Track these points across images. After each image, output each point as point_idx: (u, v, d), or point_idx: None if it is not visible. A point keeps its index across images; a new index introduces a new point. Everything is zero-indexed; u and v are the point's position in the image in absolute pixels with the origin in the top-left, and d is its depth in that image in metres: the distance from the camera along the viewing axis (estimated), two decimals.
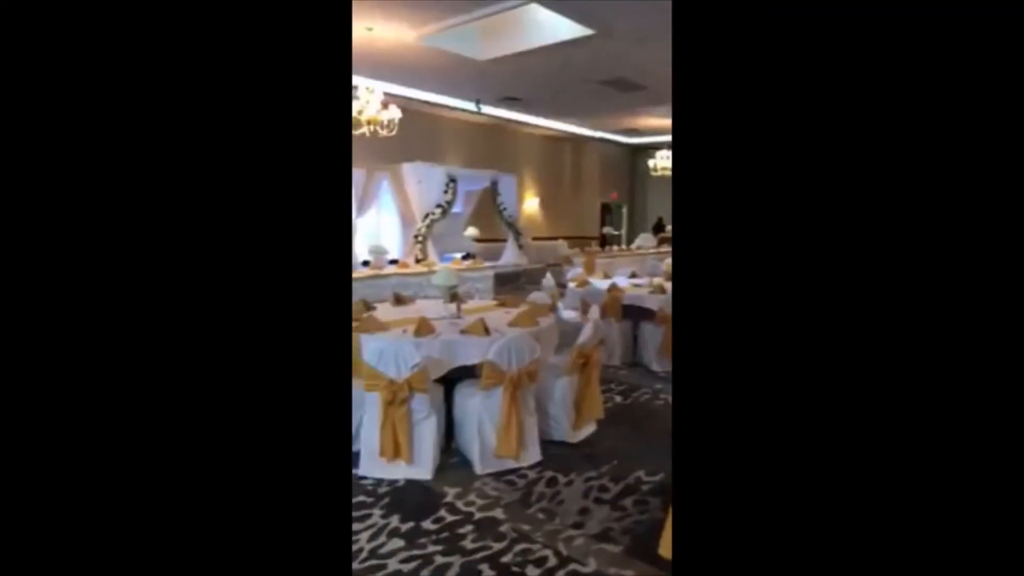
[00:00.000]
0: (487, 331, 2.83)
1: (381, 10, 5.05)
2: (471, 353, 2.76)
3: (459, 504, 2.34)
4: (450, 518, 2.23)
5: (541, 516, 2.26)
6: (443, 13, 5.16)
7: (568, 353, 3.16)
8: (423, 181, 7.20)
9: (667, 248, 9.48)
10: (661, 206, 13.24)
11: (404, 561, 1.95)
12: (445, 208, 7.38)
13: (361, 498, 2.39)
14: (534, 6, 4.94)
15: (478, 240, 7.99)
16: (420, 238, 7.22)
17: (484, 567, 1.92)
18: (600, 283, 4.98)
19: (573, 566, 1.93)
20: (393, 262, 6.62)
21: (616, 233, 12.16)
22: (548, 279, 4.97)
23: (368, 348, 2.58)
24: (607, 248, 10.01)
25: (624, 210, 13.82)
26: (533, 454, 2.73)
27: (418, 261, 6.91)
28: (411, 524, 2.18)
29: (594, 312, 3.37)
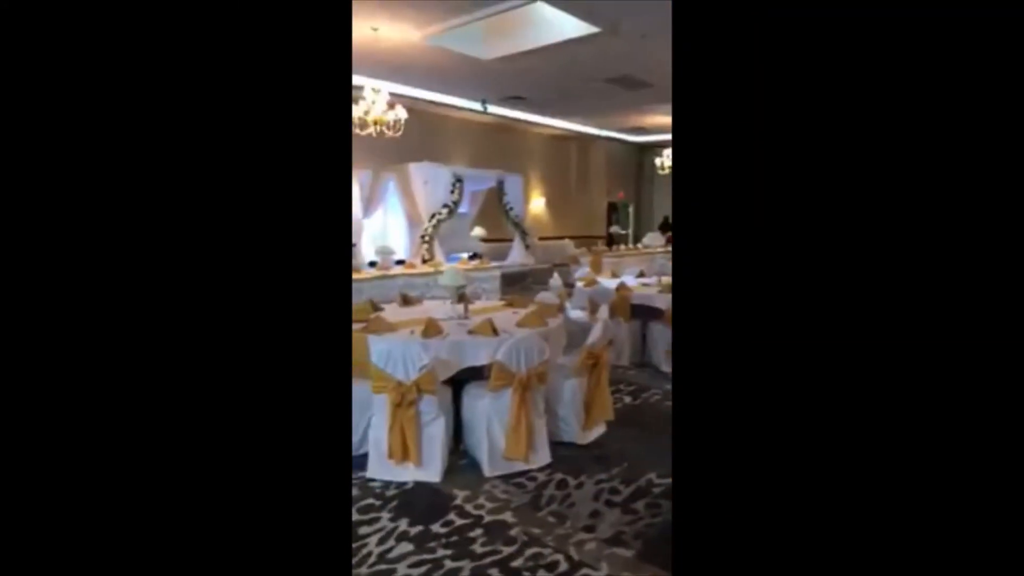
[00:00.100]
0: (495, 332, 2.80)
1: (386, 10, 5.04)
2: (479, 354, 2.73)
3: (468, 507, 2.32)
4: (459, 521, 2.20)
5: (551, 519, 2.23)
6: (448, 13, 5.14)
7: (576, 353, 3.12)
8: (429, 181, 7.19)
9: None
10: (668, 205, 13.16)
11: (413, 566, 1.92)
12: (451, 208, 7.37)
13: (370, 500, 2.37)
14: (539, 4, 4.91)
15: (484, 240, 7.97)
16: (426, 238, 7.20)
17: (494, 572, 1.89)
18: (608, 282, 4.94)
19: (585, 571, 1.90)
20: (400, 262, 6.61)
21: (623, 232, 12.09)
22: (555, 279, 4.93)
23: (376, 349, 2.56)
24: (614, 247, 9.95)
25: (631, 209, 13.76)
26: (543, 456, 2.70)
27: (425, 261, 6.90)
28: (420, 528, 2.16)
29: (603, 312, 3.34)
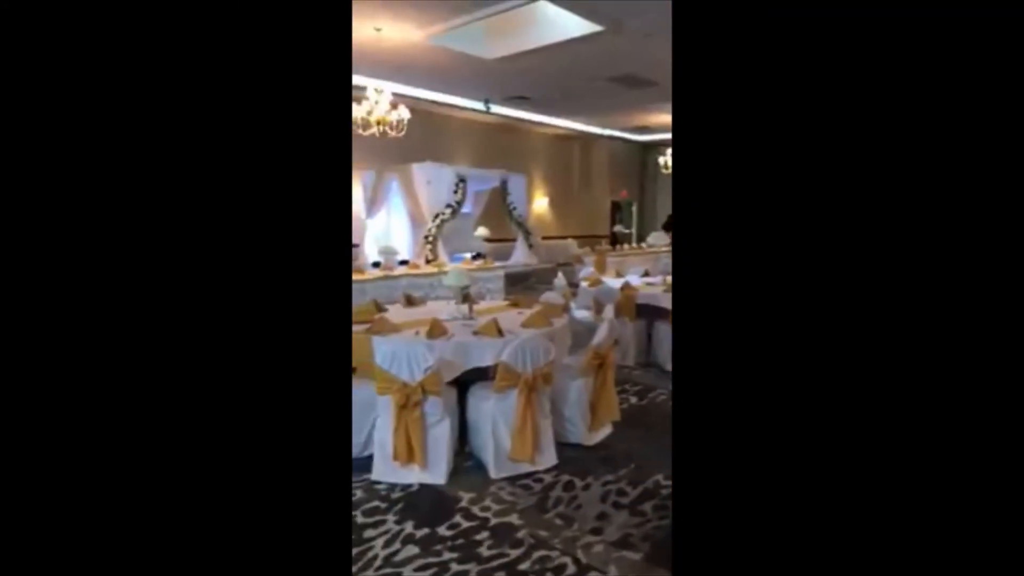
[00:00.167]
0: (500, 332, 2.78)
1: (389, 10, 5.03)
2: (485, 355, 2.71)
3: (474, 509, 2.30)
4: (465, 524, 2.19)
5: (559, 522, 2.21)
6: (450, 12, 5.12)
7: (582, 354, 3.10)
8: (433, 181, 7.16)
9: None
10: (671, 204, 13.08)
11: (419, 569, 1.90)
12: (455, 208, 7.34)
13: (375, 503, 2.35)
14: (542, 3, 4.89)
15: (488, 240, 7.95)
16: (430, 238, 7.18)
17: (501, 575, 1.87)
18: (613, 282, 4.92)
19: (593, 574, 1.88)
20: (403, 263, 6.59)
21: (627, 231, 12.06)
22: (560, 278, 4.91)
23: (380, 351, 2.54)
24: (618, 247, 9.92)
25: (634, 208, 13.72)
26: (549, 457, 2.68)
27: (428, 262, 6.88)
28: (426, 530, 2.14)
29: (608, 312, 3.31)
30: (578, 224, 11.94)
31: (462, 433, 2.80)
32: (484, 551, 2.01)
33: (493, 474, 2.57)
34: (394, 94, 6.09)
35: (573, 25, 5.54)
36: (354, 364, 2.91)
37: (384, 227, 7.95)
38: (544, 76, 7.29)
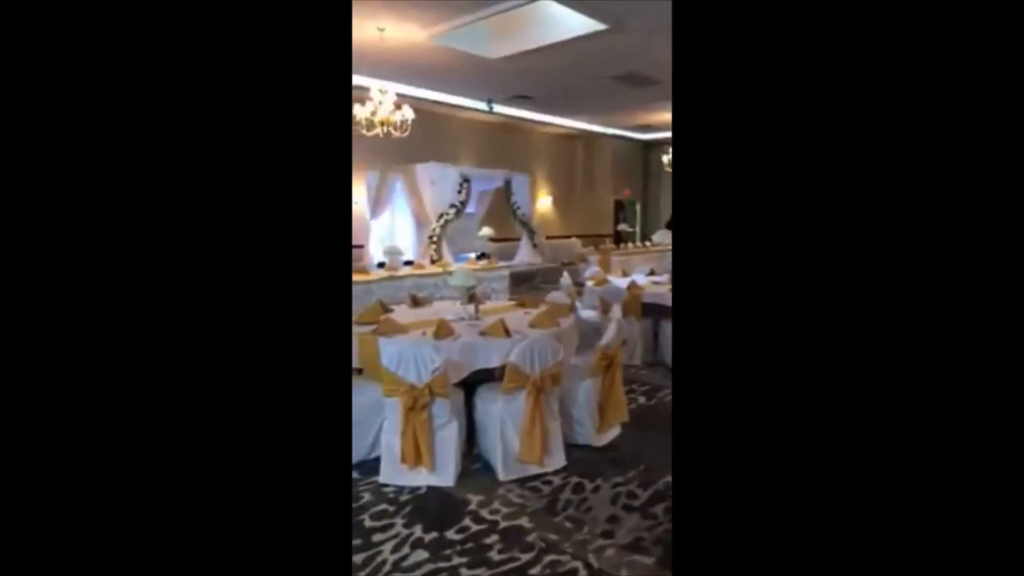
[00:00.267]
0: (508, 333, 2.76)
1: (392, 11, 5.01)
2: (492, 356, 2.69)
3: (483, 512, 2.27)
4: (475, 527, 2.16)
5: (569, 525, 2.18)
6: (454, 12, 5.10)
7: (589, 354, 3.07)
8: (436, 181, 7.15)
9: None
10: None
11: (429, 575, 1.88)
12: (459, 208, 7.33)
13: (383, 506, 2.33)
14: (545, 2, 4.86)
15: (492, 240, 7.93)
16: (434, 239, 7.17)
17: None
18: (619, 281, 4.89)
19: None
20: (408, 263, 6.57)
21: (631, 230, 12.03)
22: (565, 278, 4.88)
23: (387, 352, 2.52)
24: (622, 245, 9.89)
25: (638, 207, 13.68)
26: (557, 459, 2.66)
27: (433, 262, 6.86)
28: (435, 534, 2.12)
29: (616, 312, 3.28)
30: (582, 223, 11.91)
31: (469, 435, 2.78)
32: (494, 555, 1.98)
33: (501, 476, 2.55)
34: (397, 94, 6.06)
35: (576, 24, 5.51)
36: (361, 365, 2.90)
37: (388, 227, 7.94)
38: (547, 75, 7.26)
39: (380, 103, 5.78)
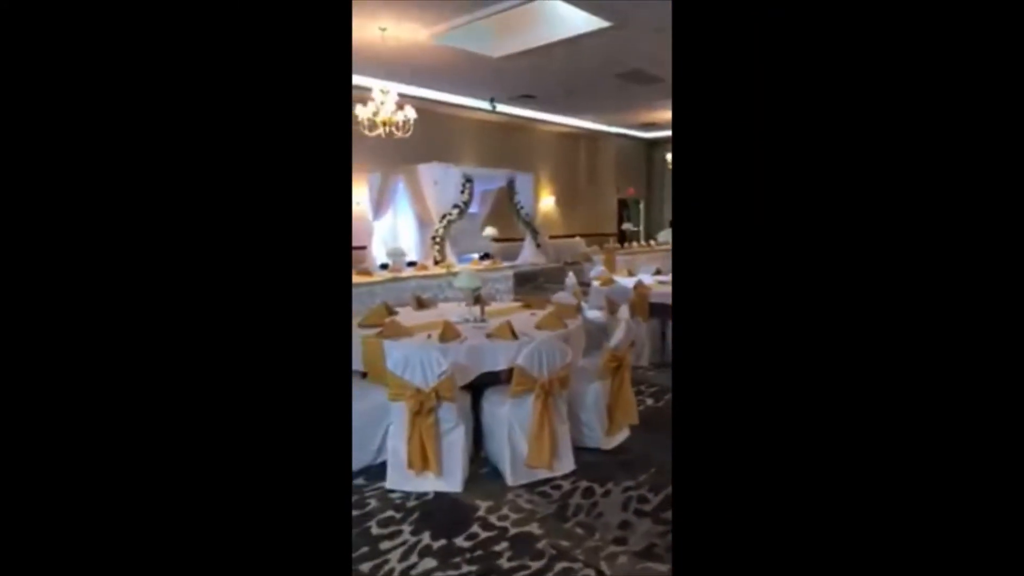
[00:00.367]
0: (514, 335, 2.71)
1: (394, 10, 4.97)
2: (499, 358, 2.65)
3: (492, 519, 2.23)
4: (484, 534, 2.12)
5: (580, 531, 2.13)
6: (455, 11, 5.06)
7: (596, 355, 3.03)
8: (439, 182, 7.11)
9: None
10: None
11: None
12: (462, 208, 7.29)
13: (390, 513, 2.29)
14: (549, 0, 4.82)
15: (495, 240, 7.88)
16: (438, 239, 7.13)
17: None
18: (625, 281, 4.84)
19: None
20: (411, 264, 6.54)
21: (635, 229, 11.97)
22: (571, 278, 4.84)
23: (393, 356, 2.47)
24: (626, 245, 9.83)
25: (641, 205, 13.62)
26: (566, 463, 2.61)
27: (436, 263, 6.83)
28: (443, 541, 2.07)
29: (623, 312, 3.23)
30: (585, 222, 11.86)
31: (476, 439, 2.74)
32: (504, 563, 1.94)
33: (510, 481, 2.50)
34: (399, 94, 6.02)
35: (579, 21, 5.47)
36: (366, 369, 2.86)
37: (391, 228, 7.91)
38: (550, 74, 7.21)
39: (382, 103, 5.74)
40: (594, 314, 4.28)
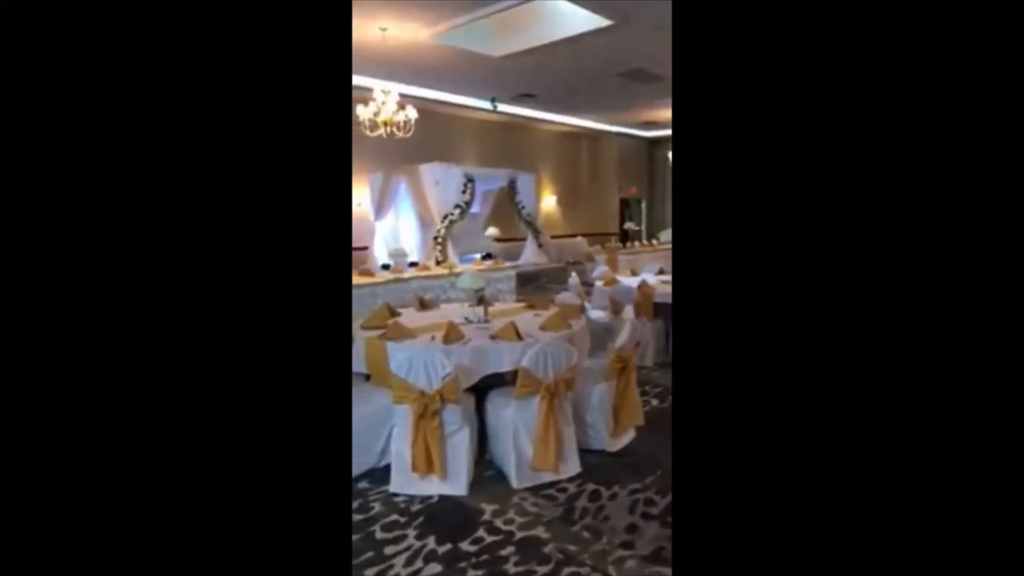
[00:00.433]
0: (519, 336, 2.69)
1: (394, 9, 4.94)
2: (503, 360, 2.62)
3: (498, 522, 2.20)
4: (489, 538, 2.09)
5: (587, 535, 2.11)
6: (456, 10, 5.03)
7: (601, 356, 3.00)
8: (441, 182, 7.09)
9: None
10: None
11: None
12: (463, 208, 7.27)
13: (394, 517, 2.26)
14: None
15: (497, 240, 7.86)
16: (439, 239, 7.11)
17: None
18: (629, 281, 4.81)
19: None
20: (413, 264, 6.51)
21: (636, 228, 11.94)
22: (574, 278, 4.81)
23: (396, 358, 2.45)
24: (628, 244, 9.81)
25: (643, 205, 13.58)
26: (572, 466, 2.58)
27: (438, 263, 6.80)
28: (448, 546, 2.05)
29: (628, 312, 3.21)
30: (587, 222, 11.83)
31: (480, 441, 2.71)
32: (511, 568, 1.91)
33: (515, 484, 2.48)
34: (400, 95, 5.99)
35: (581, 20, 5.44)
36: (369, 371, 2.83)
37: (392, 229, 7.89)
38: (551, 73, 7.19)
39: (383, 103, 5.72)
40: (597, 314, 4.26)
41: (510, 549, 2.02)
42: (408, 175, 7.27)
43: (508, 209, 8.44)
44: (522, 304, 3.83)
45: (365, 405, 2.62)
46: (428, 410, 2.38)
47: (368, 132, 5.81)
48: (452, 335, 2.70)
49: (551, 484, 2.49)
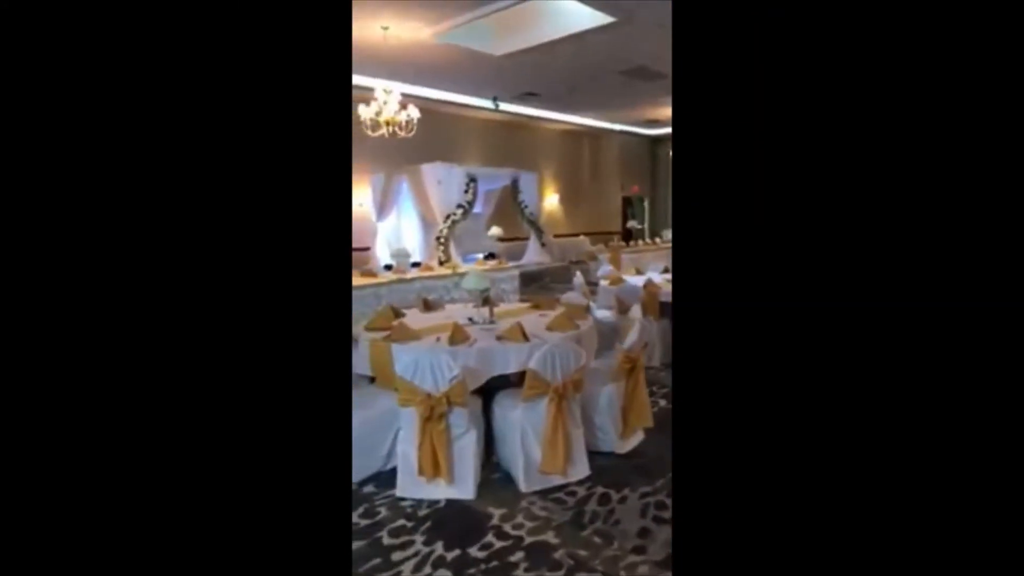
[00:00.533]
0: (526, 337, 2.65)
1: (396, 8, 4.91)
2: (510, 361, 2.58)
3: (506, 527, 2.16)
4: (498, 544, 2.05)
5: (597, 540, 2.07)
6: (458, 9, 5.00)
7: (607, 356, 2.96)
8: (443, 181, 7.05)
9: None
10: None
11: None
12: (466, 208, 7.23)
13: (401, 522, 2.22)
14: None
15: (500, 239, 7.82)
16: (442, 239, 7.07)
17: None
18: (634, 280, 4.77)
19: None
20: (415, 265, 6.48)
21: (639, 227, 11.90)
22: (579, 277, 4.77)
23: (402, 360, 2.41)
24: (631, 242, 9.76)
25: (646, 203, 13.53)
26: (581, 469, 2.54)
27: (441, 263, 6.77)
28: (457, 551, 2.01)
29: (636, 312, 3.17)
30: (589, 221, 11.79)
31: (487, 444, 2.67)
32: (520, 574, 1.87)
33: (523, 488, 2.44)
34: (402, 94, 5.96)
35: (583, 17, 5.40)
36: (374, 373, 2.80)
37: (394, 229, 7.85)
38: (553, 71, 7.15)
39: (385, 103, 5.68)
40: (603, 314, 4.22)
41: (520, 555, 1.98)
42: (410, 175, 7.23)
43: (511, 208, 8.41)
44: (527, 304, 3.79)
45: (370, 408, 2.58)
46: (435, 413, 2.34)
47: (370, 132, 5.77)
48: (458, 336, 2.66)
49: (560, 487, 2.45)
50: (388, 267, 6.34)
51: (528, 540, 2.07)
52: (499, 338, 2.69)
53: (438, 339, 2.71)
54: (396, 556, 1.99)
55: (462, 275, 4.93)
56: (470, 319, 3.09)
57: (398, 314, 3.32)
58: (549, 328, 2.87)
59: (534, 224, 8.59)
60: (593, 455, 2.66)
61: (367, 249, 7.49)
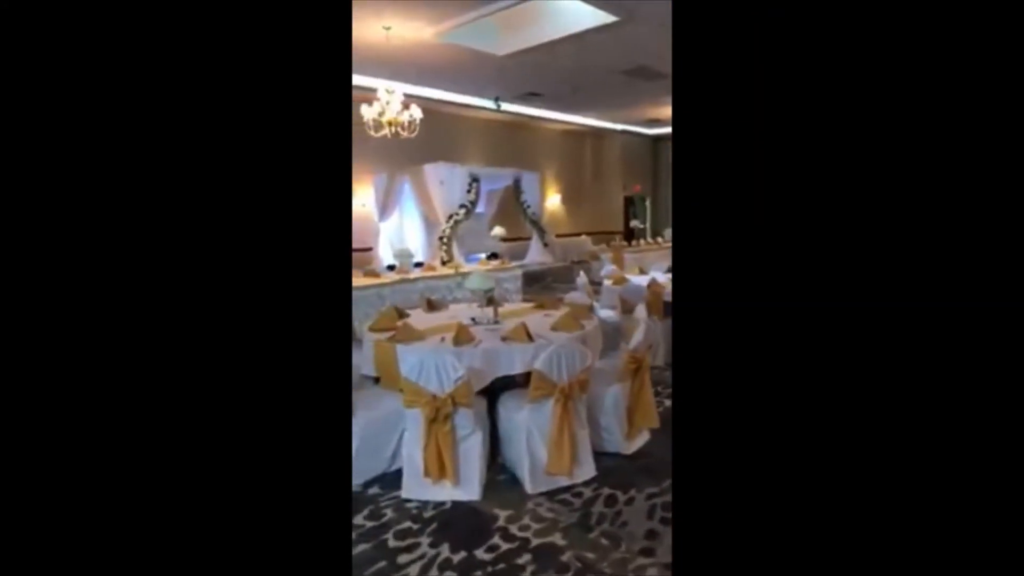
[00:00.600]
0: (531, 337, 2.63)
1: (398, 8, 4.90)
2: (515, 362, 2.57)
3: (513, 529, 2.15)
4: (505, 546, 2.04)
5: (605, 542, 2.05)
6: (460, 8, 4.99)
7: (612, 356, 2.95)
8: (445, 182, 7.04)
9: None
10: None
11: None
12: (469, 208, 7.22)
13: (407, 524, 2.21)
14: None
15: (503, 239, 7.81)
16: (445, 240, 7.06)
17: None
18: (638, 279, 4.75)
19: None
20: (418, 265, 6.47)
21: (641, 226, 11.88)
22: (582, 277, 4.76)
23: (407, 361, 2.40)
24: (634, 242, 9.74)
25: (648, 202, 13.51)
26: (587, 470, 2.53)
27: (444, 263, 6.75)
28: (463, 554, 2.00)
29: (641, 312, 3.15)
30: (591, 220, 11.77)
31: (493, 445, 2.66)
32: None
33: (529, 489, 2.42)
34: (405, 94, 5.95)
35: (585, 17, 5.39)
36: (379, 374, 2.79)
37: (397, 229, 7.85)
38: (555, 71, 7.13)
39: (387, 103, 5.67)
40: (607, 313, 4.20)
41: (527, 557, 1.97)
42: (412, 175, 7.22)
43: (513, 208, 8.40)
44: (531, 304, 3.78)
45: (375, 409, 2.57)
46: (440, 414, 2.33)
47: (372, 132, 5.76)
48: (462, 337, 2.65)
49: (566, 489, 2.44)
50: (391, 267, 6.33)
51: (535, 542, 2.06)
52: (504, 338, 2.68)
53: (443, 339, 2.70)
54: (402, 559, 1.98)
55: (465, 275, 4.92)
56: (474, 319, 3.08)
57: (402, 314, 3.30)
58: (554, 328, 2.86)
59: (536, 224, 8.58)
60: (599, 456, 2.64)
61: (370, 249, 7.48)
